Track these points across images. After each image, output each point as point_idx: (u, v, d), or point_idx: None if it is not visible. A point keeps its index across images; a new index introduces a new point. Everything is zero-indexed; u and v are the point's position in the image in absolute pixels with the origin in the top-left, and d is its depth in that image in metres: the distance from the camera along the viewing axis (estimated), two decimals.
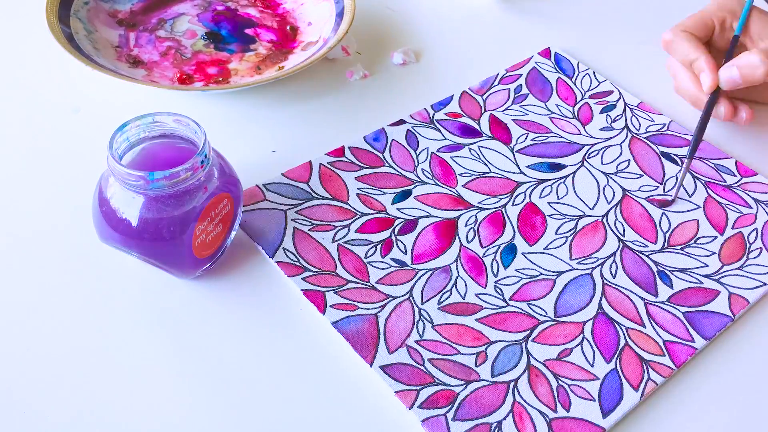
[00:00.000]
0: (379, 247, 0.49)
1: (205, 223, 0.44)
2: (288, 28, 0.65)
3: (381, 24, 0.68)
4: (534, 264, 0.49)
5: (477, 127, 0.58)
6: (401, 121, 0.58)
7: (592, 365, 0.44)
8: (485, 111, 0.59)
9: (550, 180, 0.54)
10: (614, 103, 0.61)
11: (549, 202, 0.53)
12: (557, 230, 0.51)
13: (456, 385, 0.42)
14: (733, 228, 0.52)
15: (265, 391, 0.42)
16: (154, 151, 0.44)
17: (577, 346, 0.45)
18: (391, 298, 0.46)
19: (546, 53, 0.65)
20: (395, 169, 0.54)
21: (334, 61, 0.63)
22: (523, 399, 0.42)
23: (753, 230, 0.52)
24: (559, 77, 0.63)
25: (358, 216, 0.51)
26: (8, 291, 0.45)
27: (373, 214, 0.51)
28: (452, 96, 0.60)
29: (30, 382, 0.41)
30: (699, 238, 0.51)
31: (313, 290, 0.46)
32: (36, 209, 0.50)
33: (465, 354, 0.44)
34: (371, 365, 0.43)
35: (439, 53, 0.66)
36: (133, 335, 0.44)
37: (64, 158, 0.53)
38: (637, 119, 0.60)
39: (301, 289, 0.46)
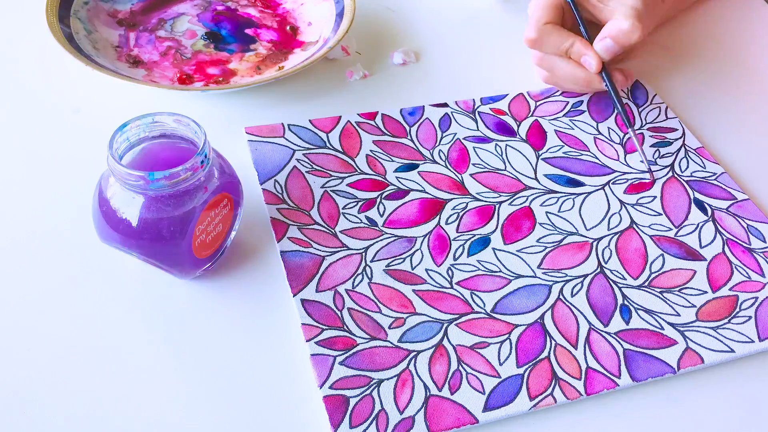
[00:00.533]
0: (360, 203, 0.52)
1: (205, 223, 0.44)
2: (288, 28, 0.65)
3: (381, 24, 0.68)
4: (499, 261, 0.49)
5: (514, 127, 0.58)
6: (444, 104, 0.60)
7: (501, 364, 0.44)
8: (532, 116, 0.59)
9: (560, 193, 0.54)
10: (671, 141, 0.58)
11: (547, 212, 0.52)
12: (540, 239, 0.51)
13: (360, 337, 0.44)
14: (730, 290, 0.48)
15: (265, 390, 0.42)
16: (154, 151, 0.44)
17: (496, 343, 0.45)
18: (345, 248, 0.49)
19: None
20: (414, 144, 0.56)
21: (334, 61, 0.63)
22: (416, 369, 0.43)
23: (753, 298, 0.48)
24: (626, 103, 0.61)
25: (356, 173, 0.54)
26: (8, 291, 0.45)
27: (372, 175, 0.54)
28: (506, 94, 0.61)
29: (30, 381, 0.41)
30: (686, 288, 0.48)
31: (281, 220, 0.50)
32: (36, 209, 0.50)
33: (384, 315, 0.45)
34: (294, 296, 0.46)
35: (439, 53, 0.65)
36: (133, 335, 0.44)
37: (64, 159, 0.53)
38: (687, 162, 0.57)
39: (271, 216, 0.50)
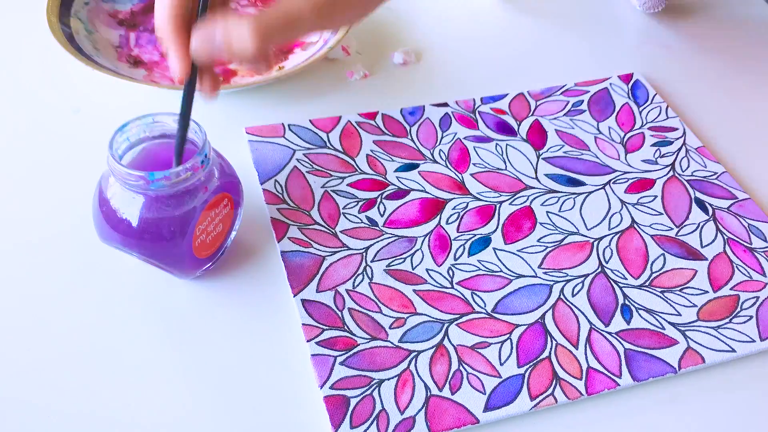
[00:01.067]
0: (360, 203, 0.51)
1: (206, 223, 0.44)
2: None
3: (381, 24, 0.68)
4: (499, 261, 0.49)
5: (515, 127, 0.58)
6: (444, 104, 0.59)
7: (501, 364, 0.44)
8: (532, 115, 0.59)
9: (560, 193, 0.54)
10: (672, 140, 0.58)
11: (547, 212, 0.52)
12: (541, 238, 0.50)
13: (360, 338, 0.44)
14: (731, 289, 0.48)
15: (265, 390, 0.42)
16: (154, 151, 0.44)
17: (497, 343, 0.45)
18: (346, 248, 0.49)
19: (626, 78, 0.63)
20: (414, 143, 0.56)
21: (334, 61, 0.63)
22: (416, 369, 0.43)
23: (754, 297, 0.48)
24: (626, 103, 0.61)
25: (357, 172, 0.54)
26: (9, 291, 0.45)
27: (372, 175, 0.53)
28: (507, 94, 0.61)
29: (30, 381, 0.41)
30: (687, 287, 0.48)
31: (281, 220, 0.50)
32: (36, 209, 0.50)
33: (385, 315, 0.45)
34: (294, 296, 0.46)
35: (439, 53, 0.65)
36: (134, 335, 0.44)
37: (64, 159, 0.53)
38: (688, 161, 0.57)
39: (271, 217, 0.50)
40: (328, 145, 0.55)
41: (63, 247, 0.48)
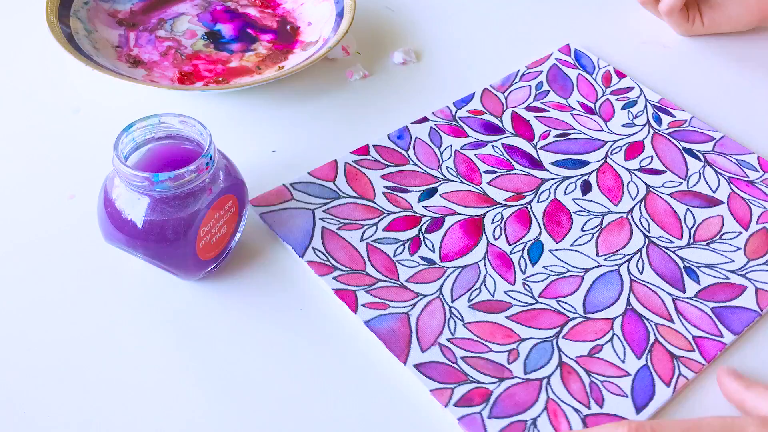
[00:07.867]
0: (407, 245, 0.49)
1: (210, 225, 0.44)
2: (288, 28, 0.65)
3: (381, 24, 0.68)
4: (561, 261, 0.49)
5: (500, 124, 0.58)
6: (424, 119, 0.58)
7: (623, 361, 0.44)
8: (507, 108, 0.60)
9: (574, 177, 0.55)
10: (635, 99, 0.61)
11: (574, 199, 0.53)
12: (583, 227, 0.51)
13: (490, 383, 0.43)
14: (757, 223, 0.52)
15: (270, 394, 0.42)
16: (159, 153, 0.44)
17: (607, 342, 0.45)
18: (421, 296, 0.46)
19: (566, 49, 0.65)
20: (420, 167, 0.54)
21: (334, 61, 0.63)
22: (557, 396, 0.42)
23: None
24: (579, 74, 0.63)
25: (385, 214, 0.51)
26: (13, 291, 0.45)
27: (400, 212, 0.51)
28: (474, 93, 0.61)
29: (33, 382, 0.41)
30: (724, 233, 0.52)
31: (344, 289, 0.46)
32: (40, 209, 0.50)
33: (497, 351, 0.44)
34: (405, 364, 0.43)
35: (439, 53, 0.66)
36: (137, 336, 0.44)
37: (64, 159, 0.53)
38: (659, 115, 0.60)
39: (333, 289, 0.46)
40: (341, 194, 0.52)
41: (67, 247, 0.48)
